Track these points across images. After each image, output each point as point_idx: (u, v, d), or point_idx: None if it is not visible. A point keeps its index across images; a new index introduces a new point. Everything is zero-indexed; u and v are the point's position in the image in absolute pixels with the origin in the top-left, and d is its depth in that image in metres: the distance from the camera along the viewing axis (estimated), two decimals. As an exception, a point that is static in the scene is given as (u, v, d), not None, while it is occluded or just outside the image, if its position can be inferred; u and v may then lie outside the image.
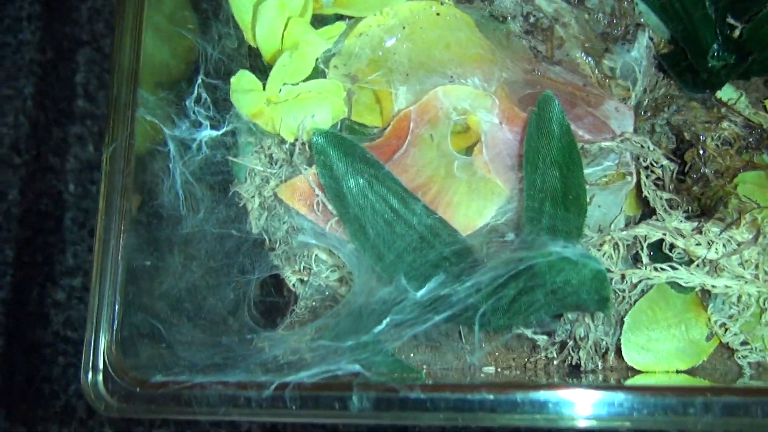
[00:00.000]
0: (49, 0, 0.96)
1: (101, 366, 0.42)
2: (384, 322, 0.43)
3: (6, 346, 0.88)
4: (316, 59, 0.52)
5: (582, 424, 0.38)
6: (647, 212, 0.53)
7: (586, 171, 0.50)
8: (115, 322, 0.43)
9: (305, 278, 0.57)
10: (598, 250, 0.50)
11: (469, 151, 0.53)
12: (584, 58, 0.54)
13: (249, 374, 0.41)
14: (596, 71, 0.53)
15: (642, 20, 0.56)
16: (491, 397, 0.38)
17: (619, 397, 0.39)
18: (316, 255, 0.56)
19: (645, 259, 0.49)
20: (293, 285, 0.57)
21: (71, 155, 0.92)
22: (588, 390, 0.39)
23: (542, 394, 0.38)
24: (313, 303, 0.57)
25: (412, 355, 0.56)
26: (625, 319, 0.50)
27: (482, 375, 0.55)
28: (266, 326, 0.53)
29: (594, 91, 0.52)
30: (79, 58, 0.94)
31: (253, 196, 0.54)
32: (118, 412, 0.41)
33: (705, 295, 0.51)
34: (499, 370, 0.55)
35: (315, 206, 0.51)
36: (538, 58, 0.53)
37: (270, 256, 0.55)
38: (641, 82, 0.54)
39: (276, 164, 0.54)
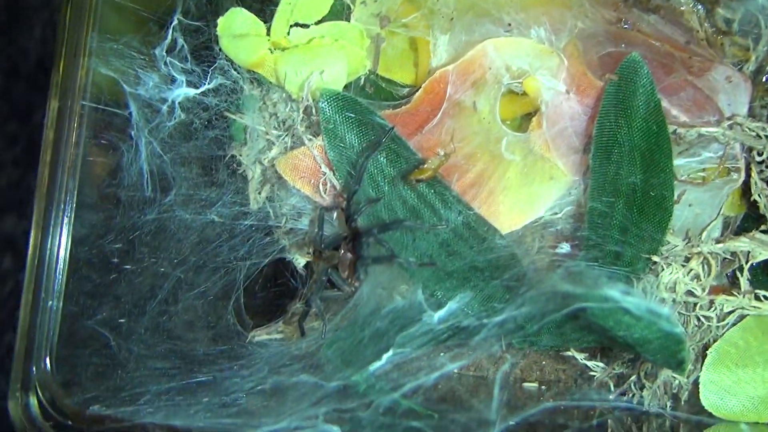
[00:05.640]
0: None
1: (33, 387, 0.34)
2: (384, 357, 0.34)
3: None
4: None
5: None
6: (754, 215, 0.41)
7: (677, 162, 0.40)
8: (53, 332, 0.34)
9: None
10: (683, 265, 0.38)
11: (524, 123, 0.41)
12: (692, 4, 0.40)
13: (208, 414, 0.32)
14: (706, 23, 0.41)
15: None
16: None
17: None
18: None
19: (744, 285, 0.38)
20: (301, 268, 0.47)
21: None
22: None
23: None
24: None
25: (441, 354, 0.47)
26: (707, 353, 0.40)
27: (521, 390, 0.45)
28: (262, 322, 0.44)
29: (700, 52, 0.40)
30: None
31: (254, 162, 0.44)
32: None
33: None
34: (543, 387, 0.45)
35: (320, 186, 0.40)
36: (629, 1, 0.40)
37: (273, 235, 0.45)
38: (766, 39, 0.40)
39: (283, 125, 0.43)
